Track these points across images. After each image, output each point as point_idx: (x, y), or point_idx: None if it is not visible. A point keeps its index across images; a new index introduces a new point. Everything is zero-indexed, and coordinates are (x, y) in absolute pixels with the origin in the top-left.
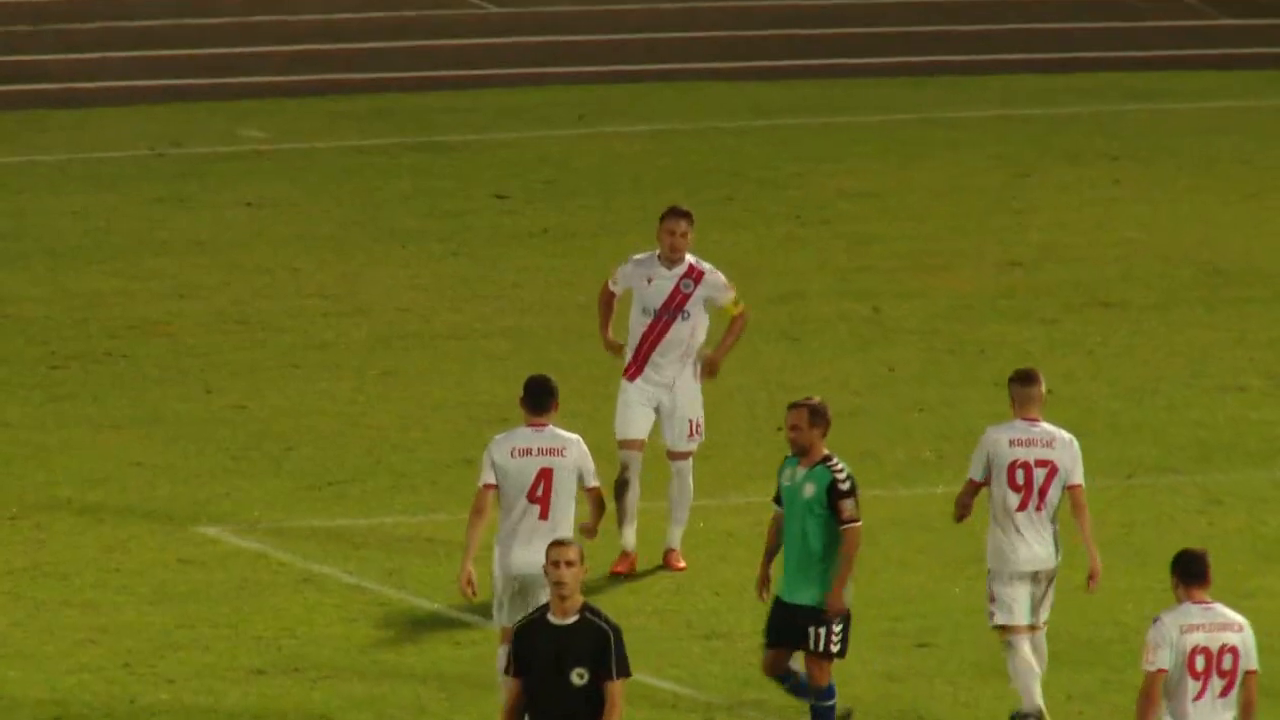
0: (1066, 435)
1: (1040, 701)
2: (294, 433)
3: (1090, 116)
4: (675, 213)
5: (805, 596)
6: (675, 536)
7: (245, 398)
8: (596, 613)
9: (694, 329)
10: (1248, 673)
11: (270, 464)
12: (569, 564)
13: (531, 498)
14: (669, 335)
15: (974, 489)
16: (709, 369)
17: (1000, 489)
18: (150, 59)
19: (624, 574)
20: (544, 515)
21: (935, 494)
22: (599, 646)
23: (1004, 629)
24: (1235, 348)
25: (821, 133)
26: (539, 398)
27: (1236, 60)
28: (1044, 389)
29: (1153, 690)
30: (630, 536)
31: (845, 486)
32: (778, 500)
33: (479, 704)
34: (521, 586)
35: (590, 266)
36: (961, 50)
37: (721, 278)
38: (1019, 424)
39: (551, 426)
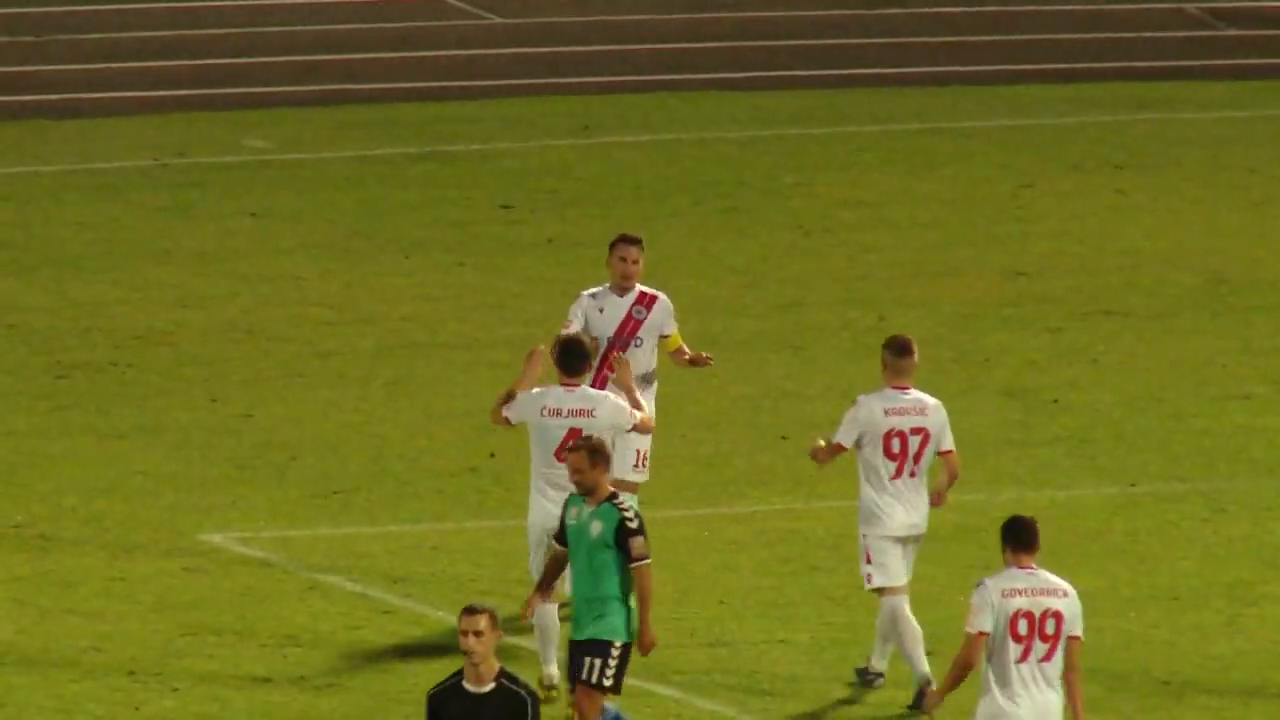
0: (934, 401)
1: (926, 668)
2: (299, 442)
3: (1095, 126)
4: (626, 240)
5: (590, 631)
6: None
7: (250, 407)
8: (514, 679)
9: (648, 356)
10: (1070, 638)
11: (275, 473)
12: (477, 634)
13: (559, 456)
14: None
15: (838, 452)
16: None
17: (876, 456)
18: (154, 69)
19: None
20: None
21: None
22: (515, 714)
23: (883, 590)
24: (1240, 356)
25: (825, 142)
26: (572, 358)
27: (1243, 71)
28: (916, 359)
29: (970, 652)
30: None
31: (634, 525)
32: (560, 540)
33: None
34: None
35: (595, 276)
36: (967, 61)
37: (671, 305)
38: (890, 392)
39: (583, 387)
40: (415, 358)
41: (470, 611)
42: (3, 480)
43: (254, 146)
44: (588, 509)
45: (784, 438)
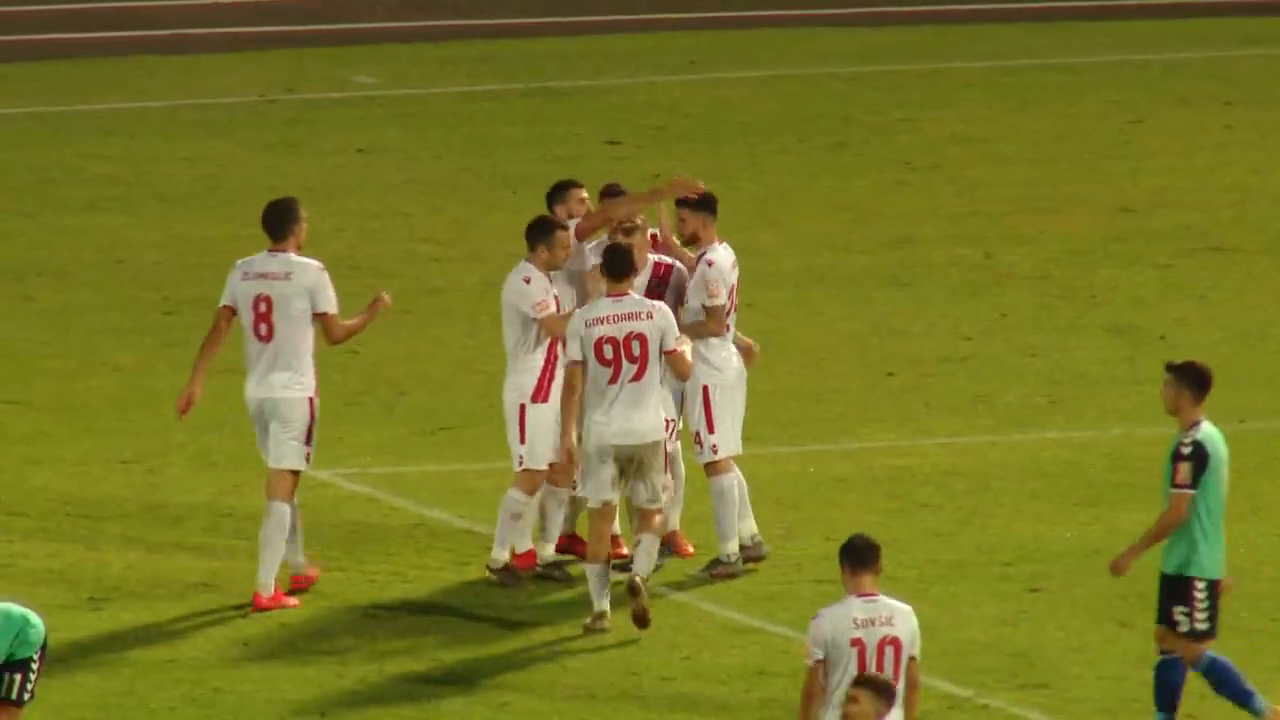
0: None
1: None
2: (406, 378)
3: (1203, 61)
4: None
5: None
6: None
7: (357, 343)
8: None
9: None
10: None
11: (382, 409)
12: None
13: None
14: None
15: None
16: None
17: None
18: (263, 4)
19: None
20: (638, 377)
21: (1047, 439)
22: None
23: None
24: None
25: (933, 78)
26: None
27: None
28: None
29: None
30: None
31: None
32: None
33: (594, 646)
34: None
35: None
36: None
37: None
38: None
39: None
40: None
41: None
42: (112, 416)
43: (361, 82)
44: None
45: (891, 374)
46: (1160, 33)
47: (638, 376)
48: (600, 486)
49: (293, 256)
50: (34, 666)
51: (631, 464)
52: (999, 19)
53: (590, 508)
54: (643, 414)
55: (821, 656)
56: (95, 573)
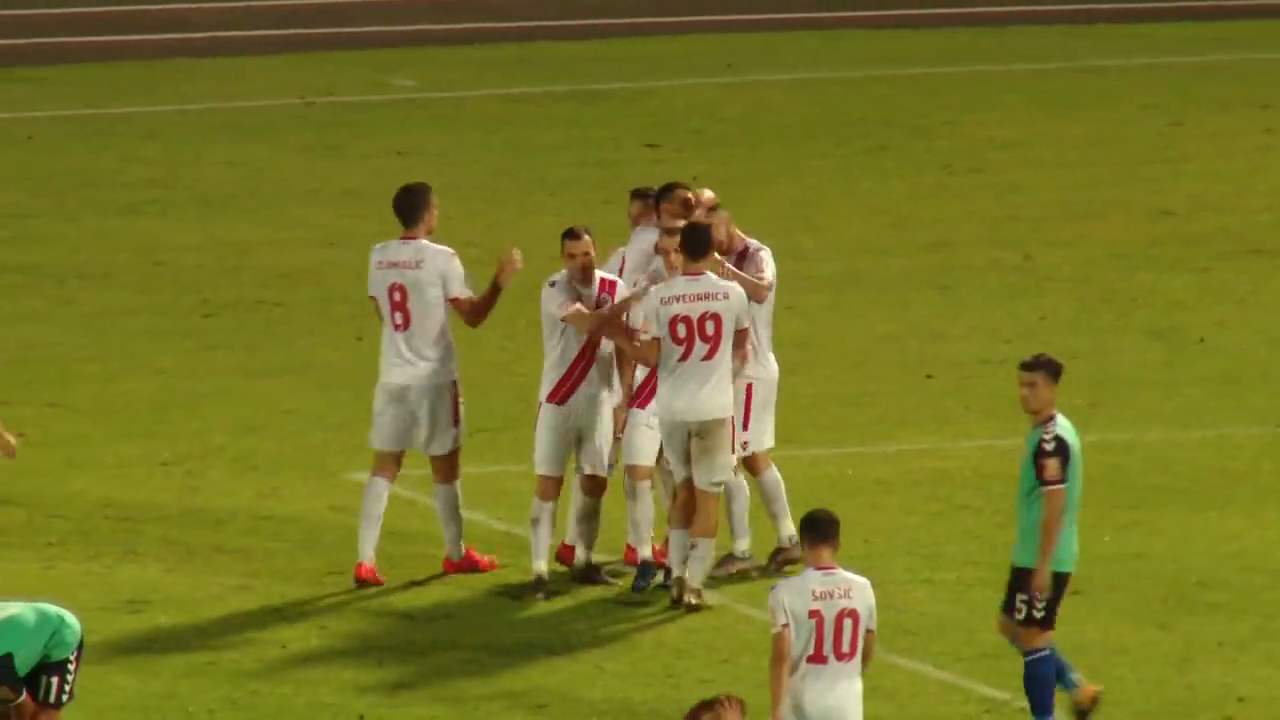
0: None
1: None
2: None
3: (1242, 65)
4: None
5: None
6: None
7: None
8: None
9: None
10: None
11: None
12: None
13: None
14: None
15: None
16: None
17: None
18: (301, 8)
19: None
20: (710, 356)
21: (1087, 442)
22: None
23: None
24: None
25: (972, 82)
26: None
27: None
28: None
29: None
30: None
31: None
32: None
33: (630, 652)
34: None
35: (738, 216)
36: None
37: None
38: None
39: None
40: None
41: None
42: (151, 419)
43: (400, 85)
44: None
45: (929, 377)
46: (1199, 36)
47: (709, 355)
48: (676, 464)
49: (424, 243)
50: (70, 668)
51: (699, 440)
52: (1038, 22)
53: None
54: (711, 391)
55: (787, 622)
56: (134, 575)
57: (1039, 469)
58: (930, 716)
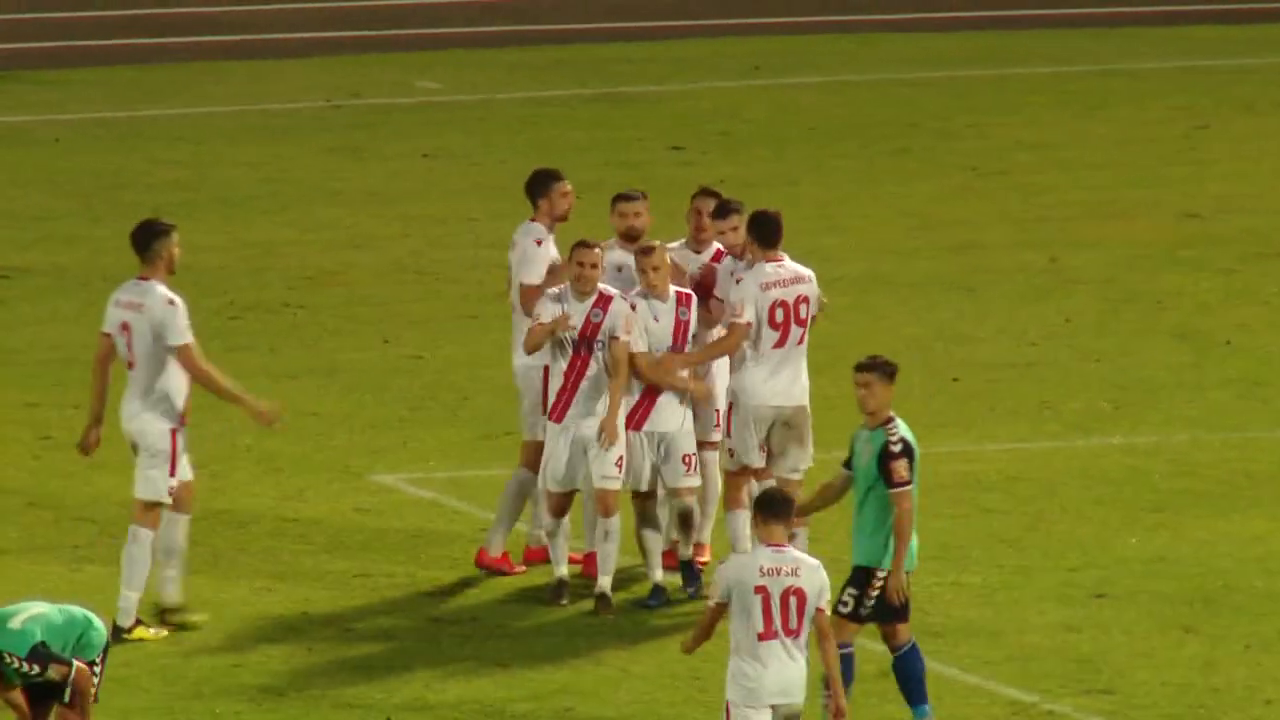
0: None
1: None
2: (470, 383)
3: (1269, 68)
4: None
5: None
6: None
7: (421, 348)
8: None
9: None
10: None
11: (446, 414)
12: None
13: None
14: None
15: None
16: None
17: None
18: (327, 10)
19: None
20: (801, 341)
21: (1112, 444)
22: None
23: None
24: None
25: (998, 84)
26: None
27: None
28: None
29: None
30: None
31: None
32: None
33: (659, 652)
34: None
35: None
36: (1140, 1)
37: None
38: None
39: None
40: None
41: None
42: None
43: (426, 88)
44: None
45: (955, 379)
46: (1226, 38)
47: (801, 340)
48: (748, 449)
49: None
50: (96, 670)
51: (787, 429)
52: (1064, 24)
53: (726, 468)
54: (801, 377)
55: (723, 600)
56: (160, 578)
57: (888, 471)
58: (957, 719)
